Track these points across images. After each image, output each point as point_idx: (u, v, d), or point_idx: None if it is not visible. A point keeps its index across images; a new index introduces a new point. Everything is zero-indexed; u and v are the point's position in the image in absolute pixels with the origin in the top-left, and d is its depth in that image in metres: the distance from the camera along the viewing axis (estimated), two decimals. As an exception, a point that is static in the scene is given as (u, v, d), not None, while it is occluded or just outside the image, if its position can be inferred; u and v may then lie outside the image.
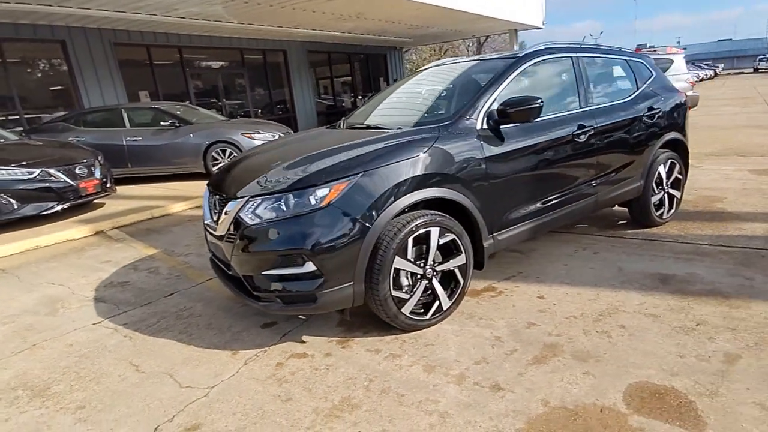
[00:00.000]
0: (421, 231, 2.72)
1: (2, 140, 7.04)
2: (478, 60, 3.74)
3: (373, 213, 2.57)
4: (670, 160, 4.18)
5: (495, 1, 12.55)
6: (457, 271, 2.93)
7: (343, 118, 4.09)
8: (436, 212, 2.81)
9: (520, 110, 2.96)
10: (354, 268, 2.57)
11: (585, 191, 3.59)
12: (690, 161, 6.41)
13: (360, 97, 17.75)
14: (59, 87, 11.44)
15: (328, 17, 11.39)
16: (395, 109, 3.76)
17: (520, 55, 3.42)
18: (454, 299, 2.95)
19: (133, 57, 12.20)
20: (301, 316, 3.21)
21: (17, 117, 10.77)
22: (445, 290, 2.93)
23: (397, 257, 2.65)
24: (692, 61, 61.26)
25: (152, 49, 12.48)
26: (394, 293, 2.69)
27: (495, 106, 3.08)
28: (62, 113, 10.33)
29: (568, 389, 2.22)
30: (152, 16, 10.53)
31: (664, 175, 4.15)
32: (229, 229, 2.76)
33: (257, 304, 2.72)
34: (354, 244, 2.54)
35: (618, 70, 4.04)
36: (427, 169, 2.73)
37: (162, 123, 8.56)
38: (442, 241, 2.82)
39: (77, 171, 6.42)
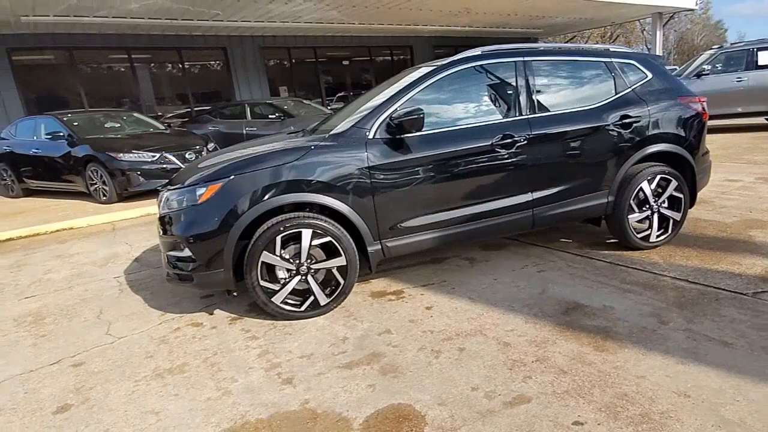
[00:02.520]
0: (291, 231, 2.89)
1: (151, 129, 8.81)
2: (428, 66, 3.60)
3: (239, 211, 2.82)
4: (659, 176, 3.48)
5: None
6: (336, 271, 3.02)
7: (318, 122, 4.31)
8: (312, 215, 2.94)
9: (403, 121, 2.90)
10: (222, 257, 2.87)
11: (515, 205, 3.26)
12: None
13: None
14: (220, 84, 13.55)
15: (436, 14, 11.35)
16: (344, 115, 3.84)
17: (445, 62, 3.25)
18: (333, 297, 3.05)
19: (276, 57, 13.80)
20: (234, 293, 3.61)
21: (189, 110, 13.12)
22: (325, 288, 3.05)
23: (265, 252, 2.87)
24: None
25: (292, 51, 13.94)
26: (263, 283, 2.92)
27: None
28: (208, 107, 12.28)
29: (338, 395, 2.24)
30: (285, 24, 11.80)
31: (649, 193, 3.49)
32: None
33: (166, 277, 3.21)
34: (220, 237, 2.84)
35: (590, 74, 3.48)
36: (296, 176, 2.86)
37: (270, 116, 9.67)
38: (316, 242, 2.94)
39: (187, 155, 7.73)
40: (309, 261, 2.97)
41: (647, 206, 3.53)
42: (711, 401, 1.95)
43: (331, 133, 3.09)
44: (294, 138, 3.40)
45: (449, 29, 13.91)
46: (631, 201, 3.46)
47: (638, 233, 3.56)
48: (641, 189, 3.46)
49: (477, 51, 3.32)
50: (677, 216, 3.61)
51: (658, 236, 3.60)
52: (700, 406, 1.93)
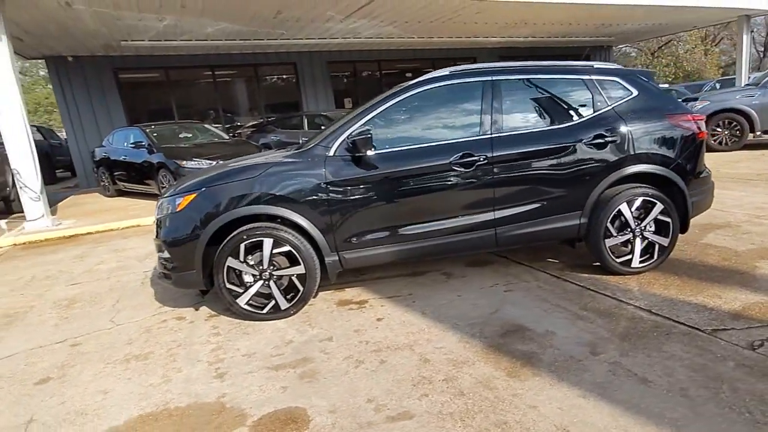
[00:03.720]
0: (254, 240, 3.10)
1: (215, 139, 9.62)
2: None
3: (207, 220, 3.09)
4: (641, 198, 3.23)
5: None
6: (295, 279, 3.19)
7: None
8: (275, 225, 3.13)
9: (356, 140, 2.99)
10: (194, 260, 3.16)
11: (476, 223, 3.21)
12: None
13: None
14: (291, 97, 14.35)
15: (492, 26, 11.13)
16: (326, 132, 3.96)
17: (413, 82, 3.29)
18: (293, 303, 3.21)
19: (341, 71, 14.35)
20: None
21: (262, 120, 14.03)
22: (287, 294, 3.22)
23: (230, 258, 3.11)
24: None
25: (357, 64, 14.40)
26: (229, 286, 3.16)
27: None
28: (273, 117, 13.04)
29: (252, 393, 2.39)
30: (347, 39, 12.24)
31: (629, 216, 3.24)
32: (159, 221, 3.66)
33: (157, 275, 3.57)
34: (191, 242, 3.12)
35: (567, 93, 3.30)
36: (257, 190, 3.07)
37: (322, 126, 10.09)
38: (277, 251, 3.13)
39: (240, 164, 8.36)
40: (272, 268, 3.17)
41: (628, 229, 3.28)
42: (586, 439, 1.83)
43: (298, 150, 3.27)
44: (274, 153, 3.62)
45: (513, 40, 13.56)
46: (608, 223, 3.25)
47: (618, 257, 3.33)
48: (620, 211, 3.23)
49: (445, 71, 3.32)
50: (664, 241, 3.32)
51: (641, 262, 3.33)
52: (571, 443, 1.82)
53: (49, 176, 15.43)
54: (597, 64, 3.46)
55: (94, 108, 12.60)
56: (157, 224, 3.42)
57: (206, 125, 10.42)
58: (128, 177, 9.59)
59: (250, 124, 14.11)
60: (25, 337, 3.43)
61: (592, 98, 3.29)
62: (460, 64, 3.52)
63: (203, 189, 3.14)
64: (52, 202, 10.06)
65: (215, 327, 3.26)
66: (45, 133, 16.52)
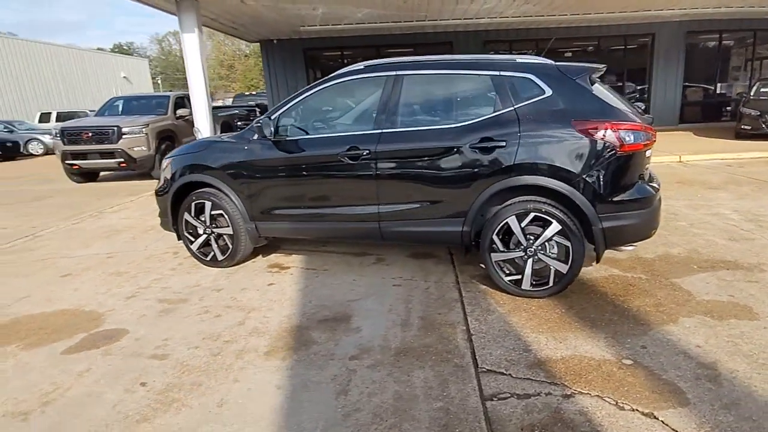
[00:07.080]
0: (198, 201, 3.72)
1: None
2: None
3: (171, 182, 3.82)
4: (533, 214, 2.68)
5: None
6: (227, 237, 3.72)
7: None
8: (215, 192, 3.67)
9: (255, 128, 3.27)
10: (167, 210, 3.94)
11: (361, 215, 3.16)
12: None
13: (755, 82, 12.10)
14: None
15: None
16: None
17: (331, 76, 3.32)
18: (225, 257, 3.76)
19: (498, 50, 13.67)
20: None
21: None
22: (224, 249, 3.79)
23: (186, 213, 3.81)
24: None
25: (513, 43, 13.50)
26: (186, 234, 3.88)
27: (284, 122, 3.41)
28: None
29: (124, 314, 3.06)
30: (494, 19, 11.63)
31: (518, 232, 2.74)
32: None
33: (168, 219, 4.50)
34: (165, 196, 3.90)
35: (472, 90, 2.85)
36: (198, 162, 3.64)
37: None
38: (215, 212, 3.69)
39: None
40: (213, 226, 3.76)
41: (521, 247, 2.79)
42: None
43: (240, 131, 3.70)
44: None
45: (700, 12, 10.69)
46: (494, 236, 2.82)
47: (507, 275, 2.87)
48: (508, 225, 2.77)
49: (360, 65, 3.26)
50: (562, 267, 2.70)
51: (533, 285, 2.80)
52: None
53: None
54: (521, 59, 2.88)
55: (287, 81, 14.98)
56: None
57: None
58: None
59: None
60: (103, 246, 4.79)
61: (498, 97, 2.80)
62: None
63: (174, 158, 3.88)
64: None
65: (180, 264, 4.04)
66: (269, 101, 20.18)
